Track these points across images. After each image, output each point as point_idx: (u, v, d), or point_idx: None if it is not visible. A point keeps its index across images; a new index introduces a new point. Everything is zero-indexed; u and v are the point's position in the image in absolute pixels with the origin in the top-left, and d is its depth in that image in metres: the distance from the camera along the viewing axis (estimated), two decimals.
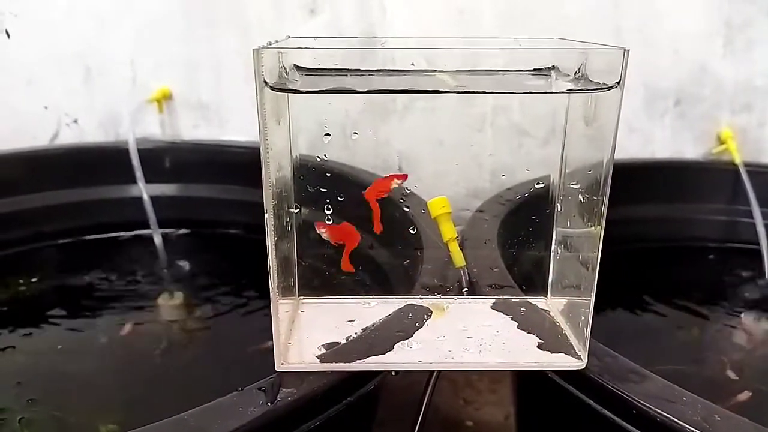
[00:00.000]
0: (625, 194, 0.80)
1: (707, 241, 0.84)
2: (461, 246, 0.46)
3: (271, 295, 0.37)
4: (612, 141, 0.35)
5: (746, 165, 0.84)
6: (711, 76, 0.88)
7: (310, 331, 0.42)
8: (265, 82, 0.33)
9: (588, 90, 0.35)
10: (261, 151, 0.34)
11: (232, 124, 0.92)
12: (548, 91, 0.36)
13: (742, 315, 0.73)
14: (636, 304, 0.75)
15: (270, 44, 0.36)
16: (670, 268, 0.83)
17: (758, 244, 0.81)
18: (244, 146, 0.86)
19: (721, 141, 0.88)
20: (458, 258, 0.45)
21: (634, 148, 0.90)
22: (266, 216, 0.35)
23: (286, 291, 0.42)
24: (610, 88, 0.33)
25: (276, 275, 0.36)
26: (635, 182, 0.83)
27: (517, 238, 0.49)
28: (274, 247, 0.36)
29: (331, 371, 0.37)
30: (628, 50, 0.32)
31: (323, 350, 0.39)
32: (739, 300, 0.76)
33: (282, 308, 0.39)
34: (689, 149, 0.91)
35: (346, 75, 0.38)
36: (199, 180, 0.86)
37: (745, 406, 0.57)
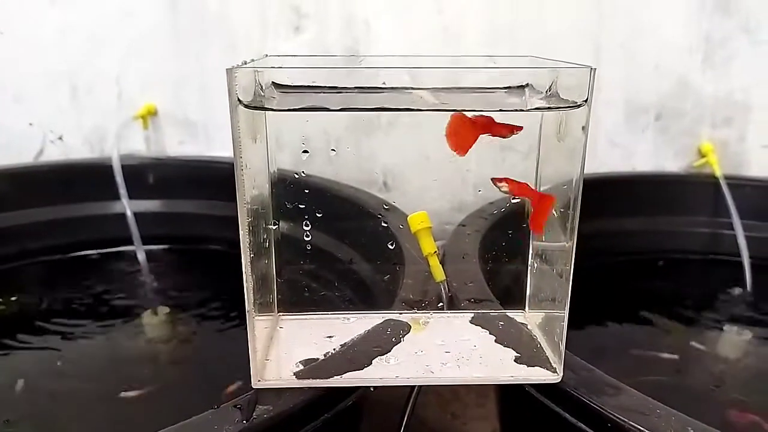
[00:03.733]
0: (608, 207, 0.82)
1: (689, 253, 0.85)
2: (442, 261, 0.46)
3: (247, 312, 0.37)
4: (581, 157, 0.35)
5: (727, 178, 0.85)
6: (691, 91, 0.89)
7: (288, 348, 0.42)
8: (239, 100, 0.34)
9: (556, 108, 0.36)
10: (235, 169, 0.35)
11: (218, 141, 0.92)
12: (520, 108, 0.36)
13: (725, 326, 0.74)
14: (619, 316, 0.75)
15: (245, 63, 0.36)
16: (652, 280, 0.84)
17: (740, 255, 0.81)
18: (229, 162, 0.86)
19: (702, 154, 0.90)
20: (438, 272, 0.45)
21: (615, 161, 0.91)
22: (241, 233, 0.35)
23: (264, 307, 0.42)
24: (578, 106, 0.34)
25: (252, 292, 0.37)
26: (617, 195, 0.84)
27: (497, 252, 0.49)
28: (249, 264, 0.36)
29: (309, 387, 0.37)
30: (595, 69, 0.33)
31: (301, 366, 0.39)
32: (721, 311, 0.77)
33: (260, 325, 0.39)
34: (670, 163, 0.92)
35: (326, 92, 0.38)
36: (183, 196, 0.86)
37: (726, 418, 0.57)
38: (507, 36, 0.86)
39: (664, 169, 0.92)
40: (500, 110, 0.35)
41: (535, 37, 0.86)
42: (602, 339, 0.72)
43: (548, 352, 0.41)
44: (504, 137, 0.39)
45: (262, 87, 0.37)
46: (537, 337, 0.43)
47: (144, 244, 0.82)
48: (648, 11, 0.86)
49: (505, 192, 0.40)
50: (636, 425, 0.34)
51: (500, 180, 0.40)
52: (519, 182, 0.40)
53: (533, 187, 0.41)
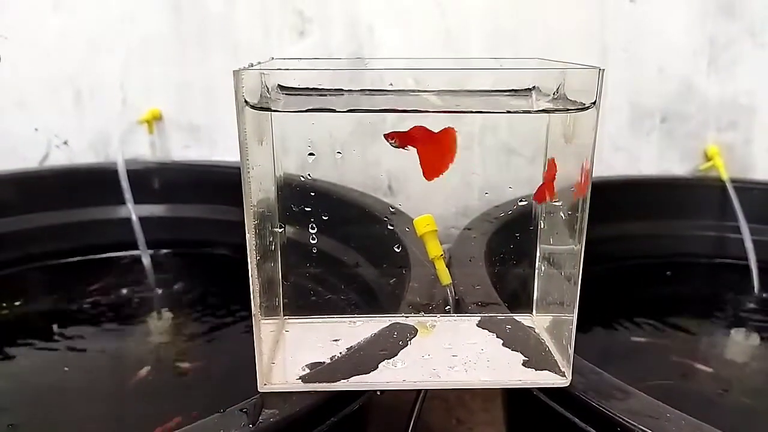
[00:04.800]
0: (614, 211, 0.81)
1: (696, 257, 0.85)
2: (448, 264, 0.46)
3: (253, 315, 0.37)
4: (590, 159, 0.35)
5: (733, 181, 0.85)
6: (696, 94, 0.89)
7: (294, 351, 0.42)
8: (246, 101, 0.34)
9: (564, 110, 0.35)
10: (242, 171, 0.35)
11: (223, 145, 0.92)
12: (526, 110, 0.36)
13: (732, 330, 0.73)
14: (626, 320, 0.75)
15: (252, 65, 0.36)
16: (659, 284, 0.83)
17: (746, 259, 0.81)
18: (233, 166, 0.86)
19: (708, 158, 0.89)
20: (444, 276, 0.45)
21: (621, 165, 0.90)
22: (247, 236, 0.35)
23: (270, 311, 0.41)
24: (586, 108, 0.34)
25: (258, 296, 0.36)
26: (623, 199, 0.83)
27: (504, 255, 0.49)
28: (255, 267, 0.36)
29: (315, 391, 0.37)
30: (603, 70, 0.32)
31: (307, 370, 0.39)
32: (728, 315, 0.77)
33: (266, 328, 0.39)
34: (676, 166, 0.91)
35: (332, 95, 0.38)
36: (188, 200, 0.86)
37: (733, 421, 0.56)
38: (510, 39, 0.86)
39: (670, 173, 0.91)
40: (507, 112, 0.35)
41: (539, 41, 0.86)
42: (609, 342, 0.71)
43: (556, 356, 0.40)
44: (543, 192, 0.40)
45: (268, 89, 0.37)
46: (545, 341, 0.43)
47: (149, 248, 0.82)
48: (651, 14, 0.86)
49: (395, 146, 0.38)
50: (646, 429, 0.33)
51: (391, 136, 0.38)
52: (405, 131, 0.38)
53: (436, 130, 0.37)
